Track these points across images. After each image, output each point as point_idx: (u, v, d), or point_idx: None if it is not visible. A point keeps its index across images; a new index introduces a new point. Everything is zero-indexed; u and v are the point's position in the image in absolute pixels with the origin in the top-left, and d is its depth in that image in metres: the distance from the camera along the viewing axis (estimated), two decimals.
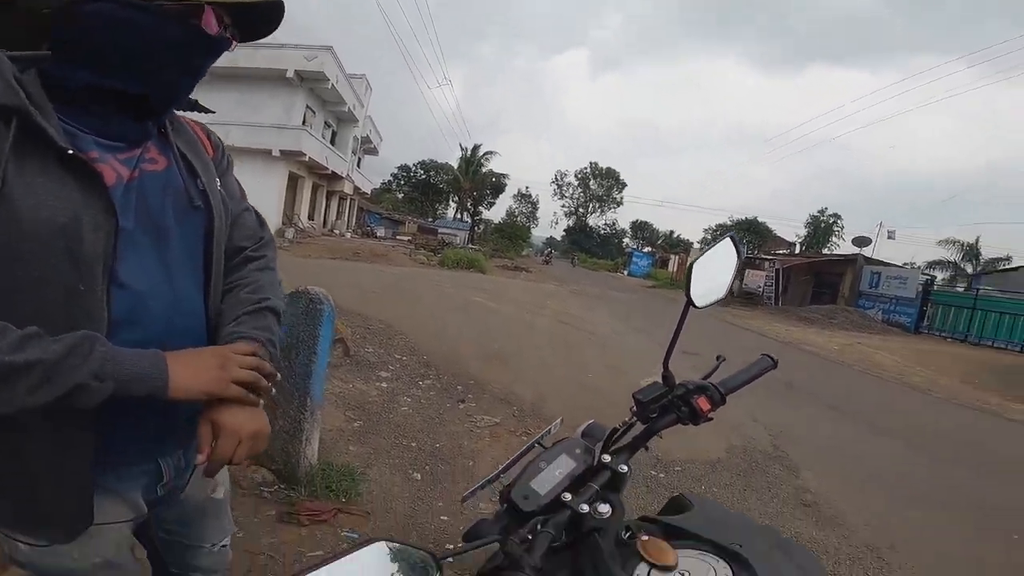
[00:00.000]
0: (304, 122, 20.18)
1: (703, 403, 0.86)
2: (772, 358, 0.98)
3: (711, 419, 0.87)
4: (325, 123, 23.15)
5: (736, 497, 3.45)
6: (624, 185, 65.13)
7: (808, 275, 23.16)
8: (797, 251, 33.29)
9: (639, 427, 0.87)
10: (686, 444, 4.18)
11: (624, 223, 67.57)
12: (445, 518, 2.59)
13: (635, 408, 0.86)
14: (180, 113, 0.90)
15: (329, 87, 20.23)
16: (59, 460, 0.72)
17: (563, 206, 67.31)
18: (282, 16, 0.80)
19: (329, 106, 22.58)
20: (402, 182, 55.84)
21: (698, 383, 0.89)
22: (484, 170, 48.14)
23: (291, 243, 17.10)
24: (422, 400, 4.18)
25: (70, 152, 0.67)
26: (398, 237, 32.23)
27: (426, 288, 10.73)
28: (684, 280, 0.90)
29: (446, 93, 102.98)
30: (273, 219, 18.91)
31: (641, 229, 68.61)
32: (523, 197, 64.53)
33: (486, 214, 54.41)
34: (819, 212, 44.76)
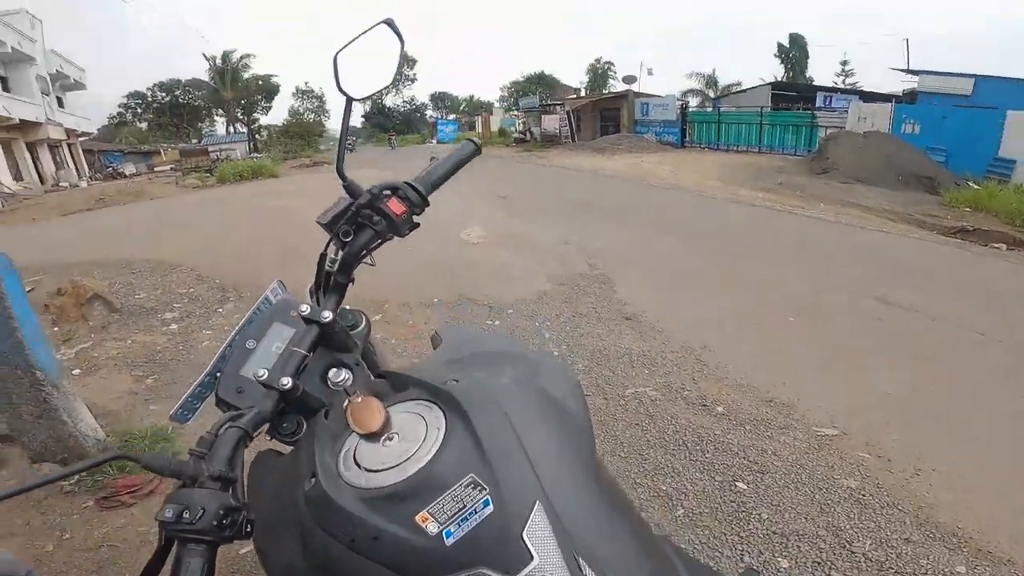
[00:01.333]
0: None
1: (395, 206, 0.71)
2: (475, 142, 0.88)
3: (417, 224, 0.74)
4: None
5: (569, 325, 3.67)
6: (414, 61, 61.57)
7: (594, 112, 25.40)
8: (583, 95, 35.91)
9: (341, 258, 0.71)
10: (511, 286, 4.38)
11: (424, 97, 65.50)
12: None
13: (327, 237, 0.71)
14: None
15: None
16: None
17: None
18: None
19: None
20: (140, 111, 47.16)
21: (387, 184, 0.73)
22: (247, 76, 43.03)
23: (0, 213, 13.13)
24: (226, 328, 3.66)
25: None
26: (156, 169, 27.52)
27: (203, 211, 9.05)
28: (332, 73, 0.74)
29: (154, 4, 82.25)
30: None
31: (441, 100, 67.30)
32: (304, 93, 57.91)
33: (264, 120, 48.74)
34: (595, 61, 48.90)
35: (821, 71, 42.51)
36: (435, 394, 0.59)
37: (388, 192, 0.72)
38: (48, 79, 24.04)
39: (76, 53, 27.00)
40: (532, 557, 0.46)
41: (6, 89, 20.95)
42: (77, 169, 25.38)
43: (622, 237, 6.26)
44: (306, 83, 61.31)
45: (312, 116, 55.34)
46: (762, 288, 4.49)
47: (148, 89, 46.78)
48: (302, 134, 38.15)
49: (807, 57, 39.82)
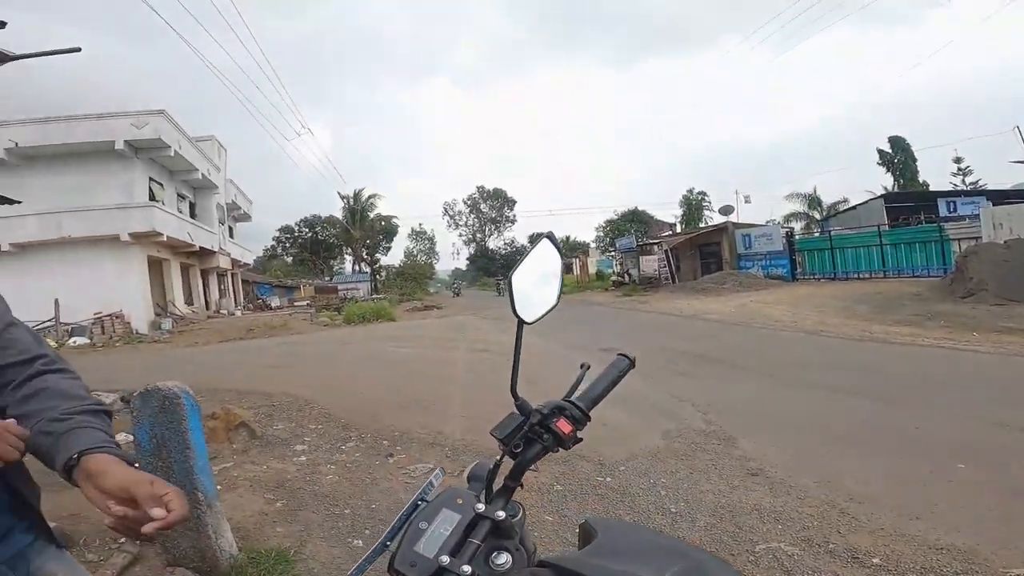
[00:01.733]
0: (153, 198, 18.28)
1: (563, 426, 0.81)
2: (628, 357, 0.94)
3: (581, 439, 0.83)
4: (179, 195, 21.29)
5: (685, 483, 3.46)
6: (514, 202, 66.94)
7: (692, 249, 25.25)
8: (678, 230, 36.11)
9: (511, 463, 0.81)
10: (623, 442, 4.23)
11: (522, 239, 69.28)
12: None
13: (500, 446, 0.81)
14: None
15: (172, 154, 18.44)
16: None
17: (460, 235, 67.81)
18: None
19: (179, 175, 20.76)
20: (288, 244, 53.11)
21: (555, 404, 0.83)
22: (372, 215, 46.94)
23: (170, 334, 15.48)
24: (347, 464, 3.90)
25: None
26: (295, 303, 30.49)
27: (331, 350, 10.16)
28: (508, 295, 0.85)
29: (310, 143, 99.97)
30: (142, 312, 16.89)
31: (537, 241, 70.89)
32: (418, 235, 64.17)
33: (384, 260, 52.93)
34: (688, 191, 47.86)
35: (932, 174, 37.87)
36: None
37: (556, 412, 0.82)
38: (225, 208, 25.55)
39: (242, 182, 29.70)
40: None
41: (192, 215, 22.07)
42: (234, 298, 26.94)
43: (738, 389, 5.91)
44: (420, 224, 65.77)
45: (424, 258, 60.66)
46: (917, 439, 3.98)
47: (295, 224, 51.91)
48: (415, 276, 41.51)
49: (914, 160, 35.55)
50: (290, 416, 4.97)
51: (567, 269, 44.28)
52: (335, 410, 5.15)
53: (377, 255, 50.94)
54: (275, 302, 31.25)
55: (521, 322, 0.84)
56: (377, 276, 46.56)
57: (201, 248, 20.93)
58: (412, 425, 4.75)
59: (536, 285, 0.88)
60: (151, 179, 18.72)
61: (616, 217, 54.39)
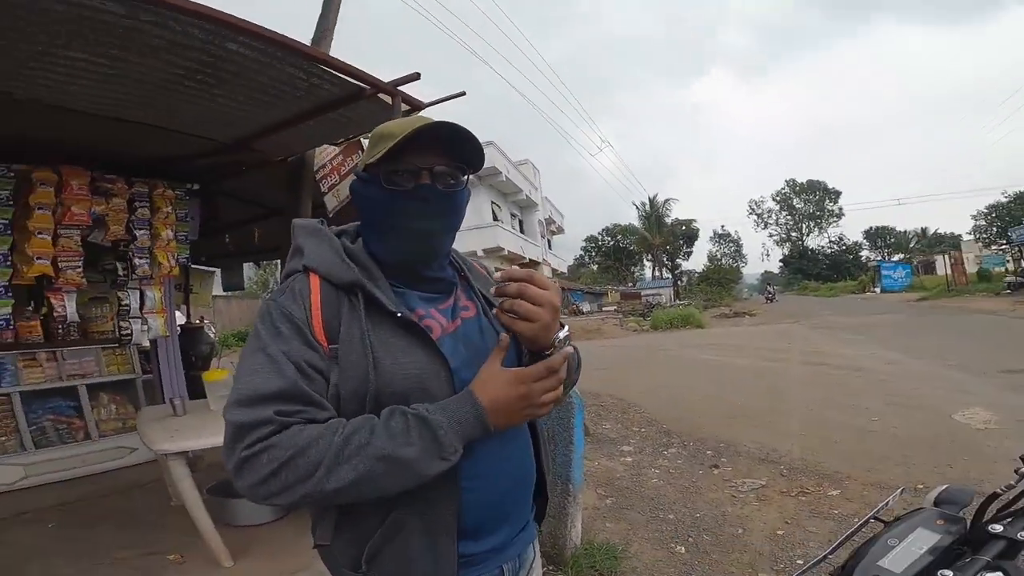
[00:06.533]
0: (495, 218, 21.48)
1: None
2: None
3: None
4: (511, 214, 24.42)
5: None
6: (837, 193, 56.26)
7: None
8: None
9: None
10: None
11: (854, 234, 57.33)
12: None
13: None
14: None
15: (504, 179, 21.40)
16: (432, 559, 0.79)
17: (771, 235, 60.97)
18: (473, 142, 0.85)
19: (509, 197, 23.85)
20: (593, 253, 56.19)
21: None
22: (669, 220, 46.25)
23: None
24: (671, 470, 4.03)
25: (399, 315, 0.81)
26: (604, 309, 32.41)
27: (648, 355, 10.57)
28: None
29: (608, 153, 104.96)
30: None
31: (880, 236, 57.17)
32: (721, 237, 60.38)
33: (685, 264, 51.76)
34: None
35: None
36: None
37: None
38: (544, 223, 27.89)
39: (552, 198, 32.48)
40: None
41: (521, 231, 24.31)
42: None
43: None
44: (722, 227, 62.00)
45: (729, 261, 56.35)
46: None
47: (598, 233, 54.81)
48: (720, 280, 38.99)
49: None
50: (616, 417, 5.44)
51: (925, 270, 34.58)
52: (657, 415, 5.39)
53: (678, 260, 50.12)
54: (586, 307, 33.75)
55: None
56: (679, 281, 45.75)
57: (530, 260, 23.53)
58: (740, 438, 4.60)
59: None
60: (492, 202, 22.36)
61: (1007, 199, 40.17)
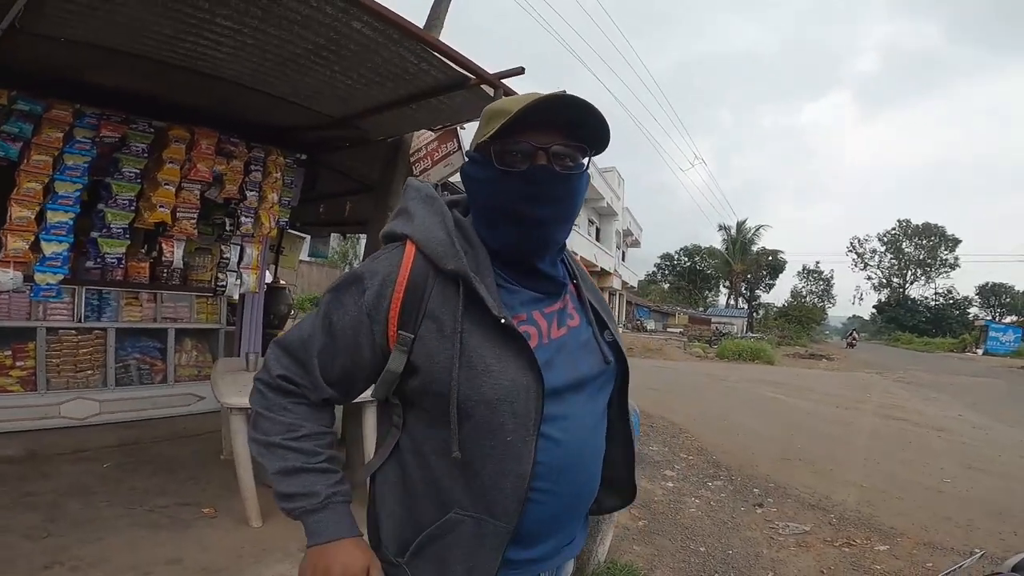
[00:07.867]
0: None
1: None
2: None
3: None
4: (588, 220, 24.04)
5: None
6: (956, 241, 50.67)
7: None
8: None
9: None
10: None
11: (965, 288, 51.39)
12: None
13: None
14: None
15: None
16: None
17: (868, 278, 56.23)
18: (597, 118, 0.76)
19: (589, 203, 23.32)
20: (667, 272, 54.42)
21: None
22: (755, 248, 43.53)
23: None
24: (712, 502, 3.90)
25: (502, 321, 0.74)
26: (668, 329, 31.47)
27: (708, 383, 10.18)
28: None
29: (699, 171, 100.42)
30: None
31: (995, 293, 51.16)
32: (810, 273, 56.25)
33: (765, 296, 48.78)
34: None
35: None
36: None
37: None
38: (621, 234, 27.28)
39: (634, 210, 31.67)
40: None
41: (597, 239, 23.79)
42: (618, 317, 26.88)
43: None
44: (816, 263, 57.64)
45: (815, 300, 52.51)
46: None
47: (676, 252, 52.71)
48: (800, 318, 36.44)
49: None
50: (665, 440, 5.32)
51: None
52: (708, 445, 5.22)
53: (757, 291, 47.43)
54: (650, 325, 32.92)
55: None
56: (755, 313, 43.30)
57: (601, 269, 23.07)
58: (792, 481, 4.39)
59: None
60: None
61: None
